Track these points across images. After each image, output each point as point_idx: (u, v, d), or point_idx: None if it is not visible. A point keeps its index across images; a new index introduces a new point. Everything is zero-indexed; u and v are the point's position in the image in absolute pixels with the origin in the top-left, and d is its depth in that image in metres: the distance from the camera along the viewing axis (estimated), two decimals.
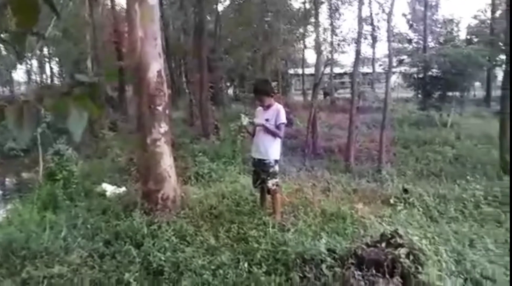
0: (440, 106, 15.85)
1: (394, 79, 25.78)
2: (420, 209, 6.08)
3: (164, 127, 5.20)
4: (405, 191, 6.61)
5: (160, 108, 5.13)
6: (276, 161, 4.83)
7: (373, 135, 12.39)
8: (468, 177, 7.51)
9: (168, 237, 4.25)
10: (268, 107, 4.83)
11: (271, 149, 4.76)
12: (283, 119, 4.72)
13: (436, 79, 16.86)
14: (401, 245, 3.24)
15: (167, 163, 5.30)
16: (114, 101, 13.15)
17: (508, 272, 3.53)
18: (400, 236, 3.36)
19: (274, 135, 4.73)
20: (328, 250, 3.52)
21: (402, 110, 17.93)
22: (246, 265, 3.63)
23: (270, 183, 4.75)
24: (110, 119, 13.99)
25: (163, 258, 3.83)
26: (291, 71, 29.01)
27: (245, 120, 4.94)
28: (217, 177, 7.02)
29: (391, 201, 6.23)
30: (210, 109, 11.63)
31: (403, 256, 3.11)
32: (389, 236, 3.43)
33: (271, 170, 4.75)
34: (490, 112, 19.28)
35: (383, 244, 3.35)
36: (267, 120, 4.73)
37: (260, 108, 5.00)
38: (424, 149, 11.16)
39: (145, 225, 4.56)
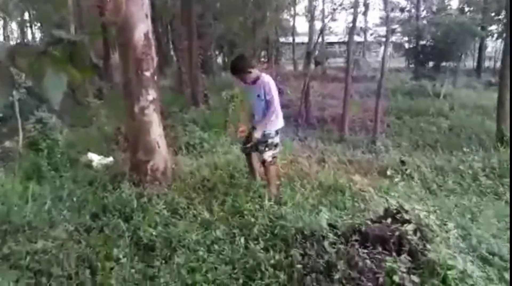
0: (433, 76, 15.66)
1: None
2: (418, 181, 5.97)
3: (152, 94, 4.87)
4: (402, 162, 6.46)
5: (147, 73, 4.79)
6: (277, 132, 4.56)
7: (366, 104, 12.22)
8: (464, 149, 7.39)
9: (159, 210, 4.02)
10: (254, 81, 4.45)
11: (271, 121, 4.47)
12: (272, 92, 4.31)
13: (429, 49, 16.63)
14: (408, 221, 3.06)
15: (157, 132, 5.01)
16: (100, 68, 12.64)
17: None
18: (406, 212, 3.18)
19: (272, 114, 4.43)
20: (329, 225, 3.33)
21: (395, 80, 17.70)
22: (242, 240, 3.43)
23: (267, 155, 4.50)
24: (96, 86, 13.49)
25: (154, 233, 3.61)
26: (282, 39, 28.37)
27: (258, 134, 4.46)
28: (209, 148, 6.76)
29: (388, 172, 6.09)
30: (200, 77, 11.23)
31: (410, 232, 2.93)
32: (394, 211, 3.24)
33: (270, 140, 4.48)
34: (481, 83, 19.21)
35: (388, 220, 3.17)
36: (258, 96, 4.41)
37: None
38: (418, 119, 11.04)
39: (134, 198, 4.32)
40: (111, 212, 4.18)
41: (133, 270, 3.18)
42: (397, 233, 2.95)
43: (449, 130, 9.62)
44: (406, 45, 19.52)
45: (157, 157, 5.03)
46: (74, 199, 4.55)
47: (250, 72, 4.36)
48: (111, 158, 6.50)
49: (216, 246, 3.43)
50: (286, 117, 11.78)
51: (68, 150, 6.92)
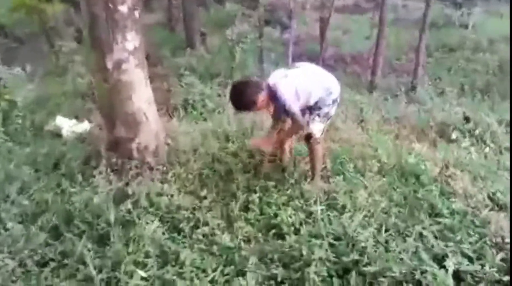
0: (461, 2, 13.60)
1: None
2: (492, 145, 4.51)
3: (133, 41, 3.23)
4: (466, 119, 4.95)
5: (124, 8, 3.12)
6: (334, 101, 3.02)
7: (391, 39, 10.34)
8: None
9: (152, 232, 2.57)
10: (271, 99, 2.85)
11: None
12: (292, 108, 2.78)
13: None
14: None
15: (143, 97, 3.43)
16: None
17: None
18: None
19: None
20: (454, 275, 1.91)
21: (414, 7, 15.56)
22: None
23: (317, 127, 3.00)
24: (74, 26, 11.46)
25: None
26: None
27: None
28: (214, 107, 5.19)
29: (453, 136, 4.60)
30: (195, 10, 9.31)
31: None
32: None
33: (325, 109, 2.99)
34: (506, 9, 17.04)
35: None
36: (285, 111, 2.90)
37: None
38: (454, 57, 9.34)
39: (112, 203, 2.86)
40: (77, 226, 2.75)
41: None
42: None
43: (498, 69, 7.95)
44: None
45: (145, 132, 3.51)
46: (25, 202, 3.08)
47: (255, 102, 2.77)
48: (86, 124, 4.97)
49: None
50: (297, 57, 10.13)
51: (32, 113, 5.35)
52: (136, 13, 3.21)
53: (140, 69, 3.34)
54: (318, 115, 2.97)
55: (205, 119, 4.93)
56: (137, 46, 3.26)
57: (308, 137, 3.05)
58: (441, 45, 10.36)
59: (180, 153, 3.68)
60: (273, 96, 2.78)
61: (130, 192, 3.02)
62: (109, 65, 3.19)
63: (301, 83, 2.84)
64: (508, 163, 3.87)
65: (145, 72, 3.44)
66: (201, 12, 13.68)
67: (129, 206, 2.85)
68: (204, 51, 7.59)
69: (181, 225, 2.68)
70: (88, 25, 3.19)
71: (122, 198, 3.00)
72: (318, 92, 2.91)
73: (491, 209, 2.80)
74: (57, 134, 4.80)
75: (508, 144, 4.46)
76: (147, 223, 2.67)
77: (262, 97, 2.76)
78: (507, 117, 5.17)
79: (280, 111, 2.93)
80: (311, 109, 3.00)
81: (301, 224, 2.58)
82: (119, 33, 3.14)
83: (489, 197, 2.98)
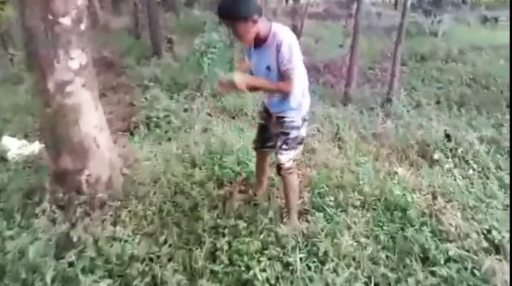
0: (431, 10, 13.64)
1: None
2: (474, 166, 4.27)
3: (79, 58, 2.77)
4: (447, 137, 4.71)
5: (66, 20, 2.66)
6: (304, 119, 2.63)
7: (364, 47, 10.16)
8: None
9: None
10: (260, 41, 2.40)
11: (289, 99, 2.54)
12: (292, 60, 2.30)
13: None
14: None
15: (92, 121, 2.97)
16: None
17: None
18: None
19: (279, 92, 2.50)
20: None
21: (385, 15, 15.60)
22: None
23: (286, 157, 2.62)
24: None
25: None
26: None
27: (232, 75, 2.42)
28: (179, 124, 4.74)
29: (436, 156, 4.33)
30: (161, 15, 8.81)
31: None
32: None
33: (292, 134, 2.59)
34: (474, 18, 17.35)
35: None
36: (268, 68, 2.41)
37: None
38: (427, 66, 9.21)
39: (52, 255, 2.39)
40: None
41: None
42: None
43: (470, 80, 7.83)
44: None
45: (96, 162, 3.05)
46: None
47: (253, 20, 2.28)
48: (36, 145, 4.43)
49: None
50: None
51: None
52: (82, 26, 2.75)
53: (88, 91, 2.87)
54: (286, 142, 2.59)
55: (169, 139, 4.48)
56: (84, 64, 2.80)
57: (278, 168, 2.67)
58: (414, 54, 10.26)
59: (139, 184, 3.23)
60: (273, 41, 2.33)
61: (75, 238, 2.55)
62: (51, 87, 2.72)
63: None
64: (495, 188, 3.63)
65: (95, 93, 2.98)
66: (170, 17, 13.19)
67: (73, 257, 2.38)
68: (171, 59, 7.11)
69: (134, 283, 2.24)
70: (24, 40, 2.71)
71: (66, 245, 2.53)
72: None
73: (488, 252, 2.50)
74: (2, 157, 4.24)
75: (491, 165, 4.23)
76: (94, 282, 2.22)
77: (255, 23, 2.29)
78: (487, 133, 4.98)
79: (271, 63, 2.38)
80: (277, 135, 2.63)
81: (277, 279, 2.19)
82: (61, 50, 2.68)
83: (484, 236, 2.69)
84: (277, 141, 2.64)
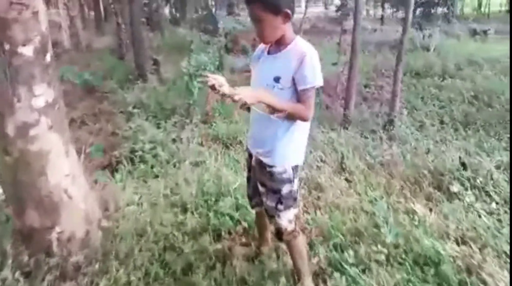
0: (421, 23, 13.47)
1: None
2: (496, 197, 3.86)
3: (45, 95, 2.30)
4: (463, 165, 4.30)
5: (28, 50, 2.19)
6: (296, 168, 2.13)
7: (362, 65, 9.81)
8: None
9: None
10: (279, 46, 1.98)
11: (287, 145, 2.06)
12: (313, 74, 1.89)
13: None
14: None
15: (63, 170, 2.48)
16: None
17: None
18: None
19: (294, 117, 2.01)
20: None
21: (377, 31, 15.41)
22: None
23: (285, 218, 2.13)
24: None
25: None
26: None
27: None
28: (167, 157, 4.25)
29: (455, 188, 3.91)
30: (145, 35, 8.37)
31: None
32: None
33: (285, 189, 2.10)
34: (463, 31, 17.27)
35: None
36: (277, 79, 1.95)
37: (262, 46, 2.19)
38: (424, 83, 8.88)
39: None
40: None
41: None
42: None
43: (472, 97, 7.51)
44: None
45: (69, 217, 2.55)
46: None
47: (281, 13, 1.86)
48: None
49: None
50: None
51: None
52: (48, 56, 2.28)
53: (57, 133, 2.39)
54: (280, 201, 2.10)
55: (156, 176, 3.98)
56: (51, 102, 2.32)
57: (278, 234, 2.20)
58: (409, 70, 9.96)
59: (120, 241, 2.73)
60: (294, 52, 1.91)
61: None
62: (10, 131, 2.23)
63: None
64: None
65: (66, 136, 2.50)
66: (156, 36, 12.76)
67: None
68: (157, 82, 6.64)
69: None
70: None
71: None
72: None
73: None
74: None
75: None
76: None
77: (286, 21, 1.89)
78: (502, 158, 4.59)
79: (283, 75, 1.92)
80: (272, 193, 2.12)
81: None
82: (22, 86, 2.20)
83: None
84: (267, 199, 2.15)
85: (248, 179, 2.37)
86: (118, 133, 5.06)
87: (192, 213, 3.14)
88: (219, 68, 6.04)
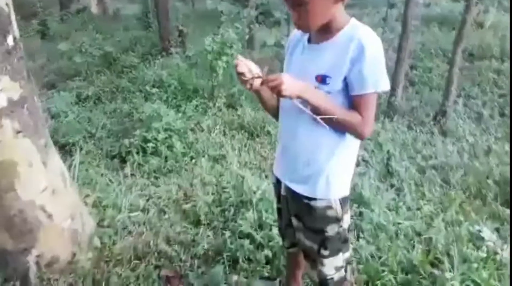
0: None
1: None
2: None
3: (9, 91, 1.74)
4: None
5: None
6: (345, 200, 1.49)
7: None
8: None
9: None
10: (326, 33, 1.33)
11: (334, 169, 1.43)
12: (376, 75, 1.27)
13: None
14: None
15: (38, 183, 1.95)
16: None
17: None
18: None
19: (345, 129, 1.36)
20: None
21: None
22: None
23: (329, 267, 1.53)
24: None
25: None
26: None
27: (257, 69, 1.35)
28: (183, 150, 3.69)
29: None
30: (172, 3, 7.70)
31: None
32: None
33: (329, 228, 1.47)
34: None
35: None
36: (323, 79, 1.31)
37: (298, 34, 1.50)
38: (479, 66, 7.86)
39: None
40: None
41: None
42: None
43: None
44: None
45: (48, 237, 2.04)
46: None
47: None
48: None
49: None
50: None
51: None
52: (10, 39, 1.70)
53: (28, 138, 1.84)
54: (324, 244, 1.51)
55: (169, 171, 3.44)
56: (17, 99, 1.76)
57: (323, 281, 1.59)
58: (462, 50, 8.87)
59: (115, 265, 2.21)
60: (347, 42, 1.27)
61: None
62: None
63: None
64: None
65: (42, 140, 1.95)
66: (185, 5, 12.08)
67: None
68: (181, 57, 6.05)
69: None
70: None
71: None
72: None
73: None
74: None
75: None
76: None
77: (337, 3, 1.28)
78: None
79: (339, 74, 1.29)
80: (306, 230, 1.54)
81: None
82: None
83: None
84: (305, 238, 1.56)
85: (279, 210, 1.76)
86: (134, 116, 4.53)
87: (206, 227, 2.59)
88: (248, 45, 5.35)
